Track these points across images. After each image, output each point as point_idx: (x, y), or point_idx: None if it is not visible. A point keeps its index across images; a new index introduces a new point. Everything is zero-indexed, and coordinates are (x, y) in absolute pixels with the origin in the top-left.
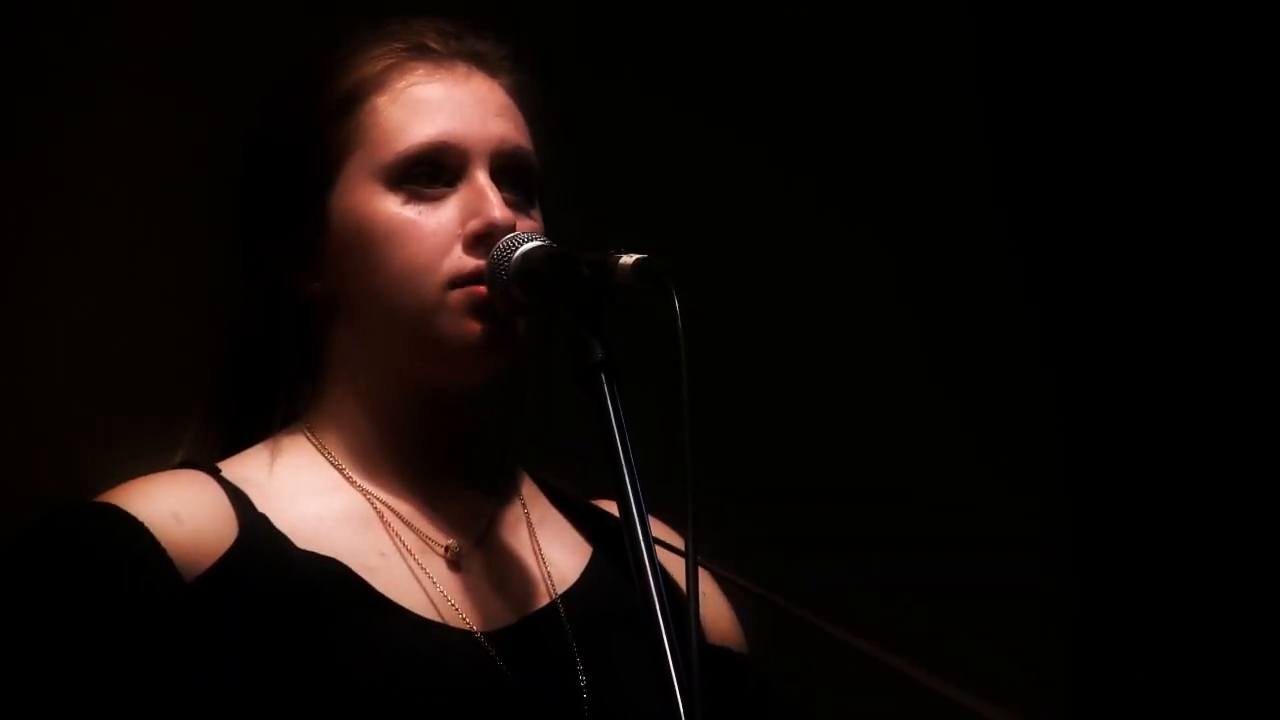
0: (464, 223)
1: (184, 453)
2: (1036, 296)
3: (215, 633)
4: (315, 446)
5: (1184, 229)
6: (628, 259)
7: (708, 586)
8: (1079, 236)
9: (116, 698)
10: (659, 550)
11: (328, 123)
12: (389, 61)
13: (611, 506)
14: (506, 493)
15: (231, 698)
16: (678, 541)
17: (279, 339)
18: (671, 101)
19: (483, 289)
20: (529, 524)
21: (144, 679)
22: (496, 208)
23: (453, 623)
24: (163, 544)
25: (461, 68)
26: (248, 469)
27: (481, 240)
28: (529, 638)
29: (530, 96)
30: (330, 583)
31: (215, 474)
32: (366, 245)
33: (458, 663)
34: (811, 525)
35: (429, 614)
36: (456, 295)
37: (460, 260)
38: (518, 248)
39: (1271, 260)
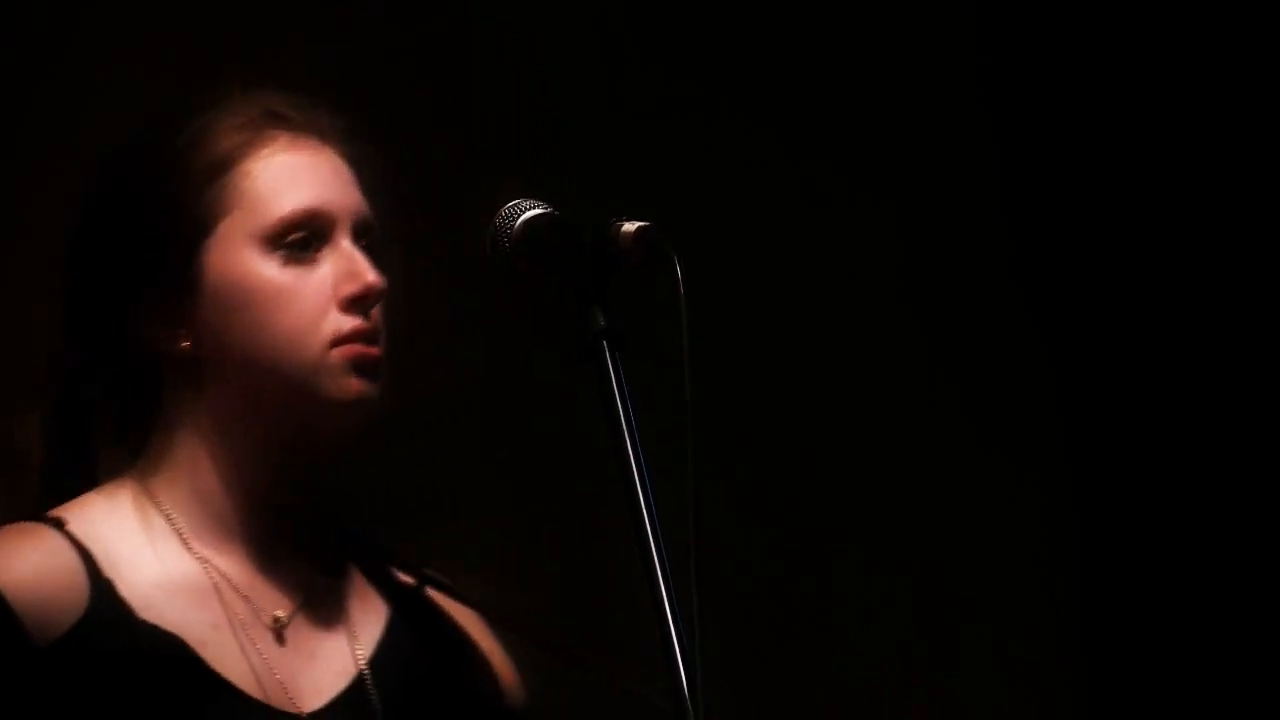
0: (337, 285)
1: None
2: (1030, 281)
3: (61, 704)
4: (151, 503)
5: (1187, 226)
6: (630, 226)
7: (489, 644)
8: (1084, 240)
9: None
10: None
11: (199, 185)
12: (252, 128)
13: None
14: (327, 557)
15: None
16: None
17: (119, 390)
18: (677, 85)
19: (362, 347)
20: (342, 589)
21: None
22: (369, 271)
23: (278, 703)
24: (16, 610)
25: (314, 139)
26: (90, 523)
27: (356, 302)
28: (344, 714)
29: (368, 166)
30: (169, 658)
31: (61, 528)
32: (246, 306)
33: None
34: (810, 510)
35: (257, 693)
36: (337, 354)
37: (338, 320)
38: (520, 215)
39: (1272, 257)
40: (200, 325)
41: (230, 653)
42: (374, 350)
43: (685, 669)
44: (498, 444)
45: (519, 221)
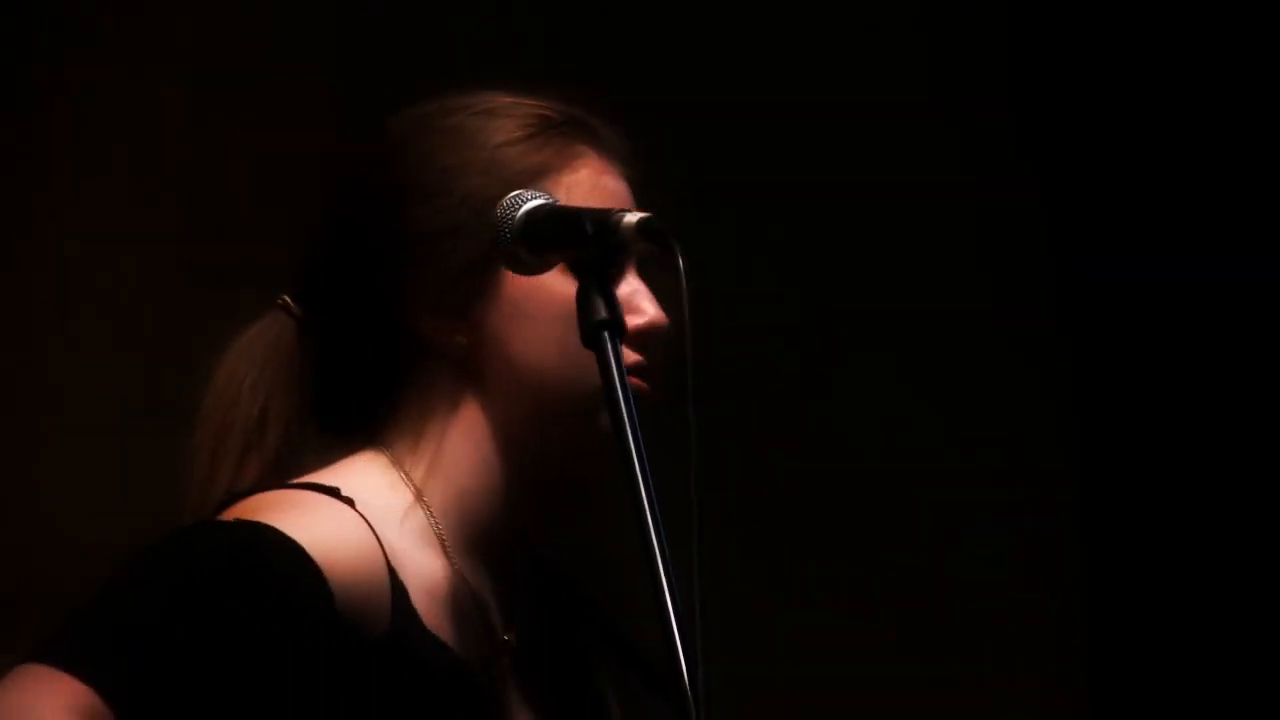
0: (626, 316)
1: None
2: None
3: (360, 706)
4: (414, 495)
5: (1189, 225)
6: (631, 217)
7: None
8: (1086, 239)
9: None
10: None
11: (514, 189)
12: (565, 138)
13: None
14: (523, 577)
15: None
16: None
17: (388, 370)
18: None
19: (641, 382)
20: (547, 620)
21: None
22: (655, 305)
23: None
24: (335, 595)
25: (617, 161)
26: (370, 507)
27: (643, 336)
28: None
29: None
30: (456, 678)
31: (351, 505)
32: (541, 320)
33: None
34: (812, 499)
35: None
36: None
37: (625, 351)
38: (521, 206)
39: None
40: (484, 328)
41: (484, 683)
42: (649, 387)
43: (686, 658)
44: None
45: (520, 212)
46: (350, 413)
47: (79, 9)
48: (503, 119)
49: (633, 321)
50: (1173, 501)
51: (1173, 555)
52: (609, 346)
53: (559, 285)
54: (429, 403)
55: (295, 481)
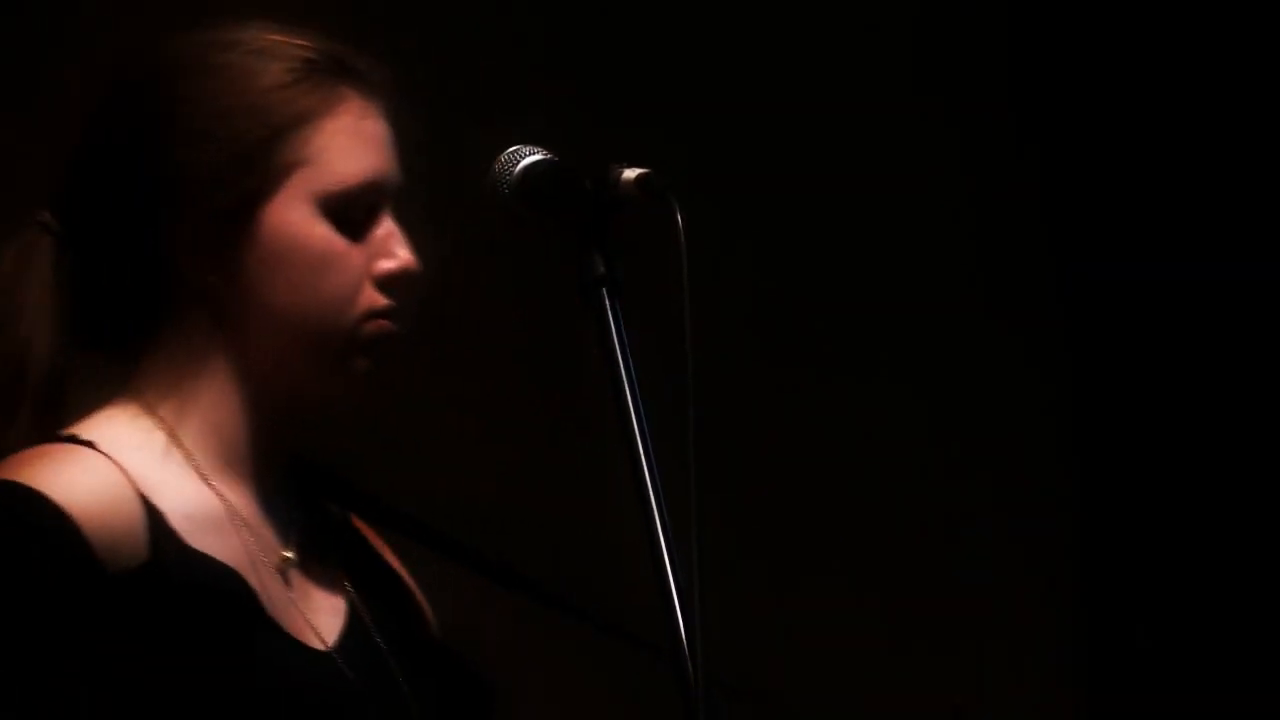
0: (377, 259)
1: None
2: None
3: (132, 638)
4: (165, 431)
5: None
6: (630, 172)
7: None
8: (1089, 231)
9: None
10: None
11: (275, 136)
12: (330, 82)
13: None
14: (303, 497)
15: (150, 702)
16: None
17: (146, 301)
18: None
19: (391, 325)
20: (322, 527)
21: (64, 679)
22: (408, 252)
23: (307, 640)
24: (90, 540)
25: (379, 100)
26: (118, 448)
27: (393, 280)
28: (356, 647)
29: (401, 123)
30: (228, 591)
31: (94, 448)
32: (294, 265)
33: (332, 685)
34: (810, 462)
35: (291, 629)
36: (370, 327)
37: (373, 297)
38: (519, 162)
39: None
40: (238, 269)
41: (261, 590)
42: (399, 329)
43: (685, 623)
44: (492, 389)
45: (518, 168)
46: (110, 344)
47: None
48: (270, 61)
49: (384, 265)
50: (1172, 500)
51: (1171, 553)
52: (607, 304)
53: (316, 230)
54: (186, 341)
55: (50, 435)
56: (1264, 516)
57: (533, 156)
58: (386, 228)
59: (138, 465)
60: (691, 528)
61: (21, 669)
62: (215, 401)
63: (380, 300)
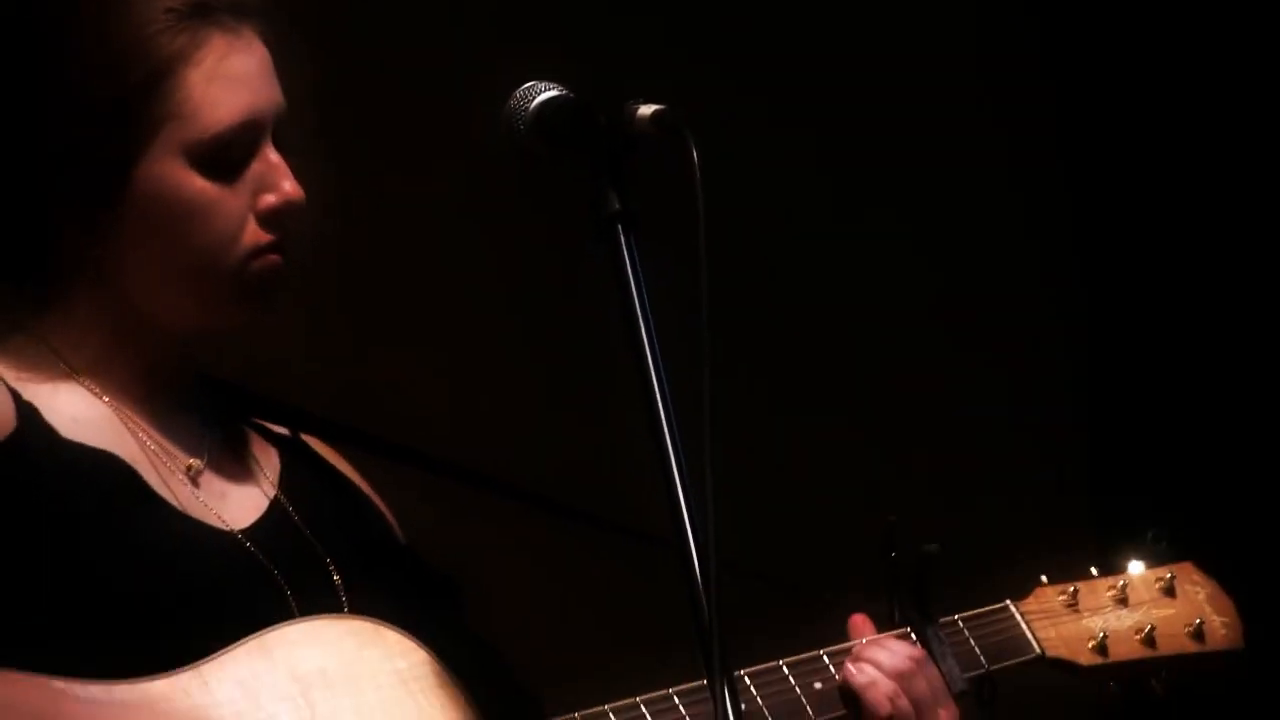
0: (258, 195)
1: None
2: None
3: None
4: (59, 359)
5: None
6: (645, 109)
7: (366, 483)
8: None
9: None
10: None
11: (135, 95)
12: (189, 28)
13: None
14: (215, 414)
15: (24, 575)
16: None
17: (21, 247)
18: None
19: (277, 258)
20: (237, 438)
21: None
22: (290, 182)
23: (212, 522)
24: None
25: (246, 32)
26: (9, 365)
27: (276, 214)
28: (272, 532)
29: (280, 39)
30: (105, 469)
31: None
32: (170, 221)
33: (230, 557)
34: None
35: (192, 513)
36: (255, 266)
37: (257, 234)
38: (534, 98)
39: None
40: (116, 233)
41: (156, 479)
42: (282, 261)
43: (700, 561)
44: (513, 330)
45: (534, 104)
46: (11, 285)
47: None
48: (125, 13)
49: (266, 200)
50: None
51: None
52: (621, 240)
53: (187, 183)
54: (84, 298)
55: None
56: (1270, 394)
57: (548, 93)
58: (267, 161)
59: (18, 377)
60: (706, 462)
61: None
62: (102, 337)
63: (264, 236)
